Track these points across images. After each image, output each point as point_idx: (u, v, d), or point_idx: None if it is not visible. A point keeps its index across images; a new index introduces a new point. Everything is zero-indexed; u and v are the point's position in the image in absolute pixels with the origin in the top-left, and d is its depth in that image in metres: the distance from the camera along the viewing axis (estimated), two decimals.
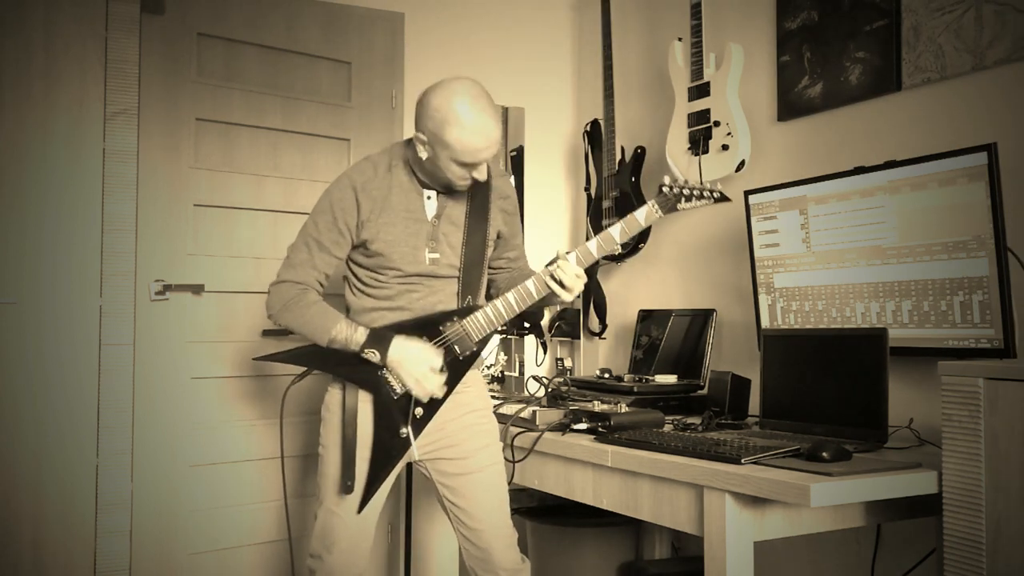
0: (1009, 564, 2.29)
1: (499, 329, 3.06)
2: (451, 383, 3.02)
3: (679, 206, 3.03)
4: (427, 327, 3.00)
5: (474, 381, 3.19)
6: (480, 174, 2.92)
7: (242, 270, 4.13)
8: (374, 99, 4.51)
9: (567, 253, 2.96)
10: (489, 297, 3.25)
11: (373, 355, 2.94)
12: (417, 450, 3.06)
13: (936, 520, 2.71)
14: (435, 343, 2.99)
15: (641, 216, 3.00)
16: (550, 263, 2.96)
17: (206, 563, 4.04)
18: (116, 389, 3.80)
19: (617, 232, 2.98)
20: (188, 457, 4.01)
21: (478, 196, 3.11)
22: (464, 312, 3.01)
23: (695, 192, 3.04)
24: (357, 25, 4.46)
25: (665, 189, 3.02)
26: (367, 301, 3.07)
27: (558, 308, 4.89)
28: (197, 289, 4.01)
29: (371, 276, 3.05)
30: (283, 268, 3.06)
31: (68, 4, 3.73)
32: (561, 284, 2.94)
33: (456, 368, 3.02)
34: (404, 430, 3.00)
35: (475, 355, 3.05)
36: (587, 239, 3.15)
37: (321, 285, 3.08)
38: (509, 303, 2.99)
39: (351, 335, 2.95)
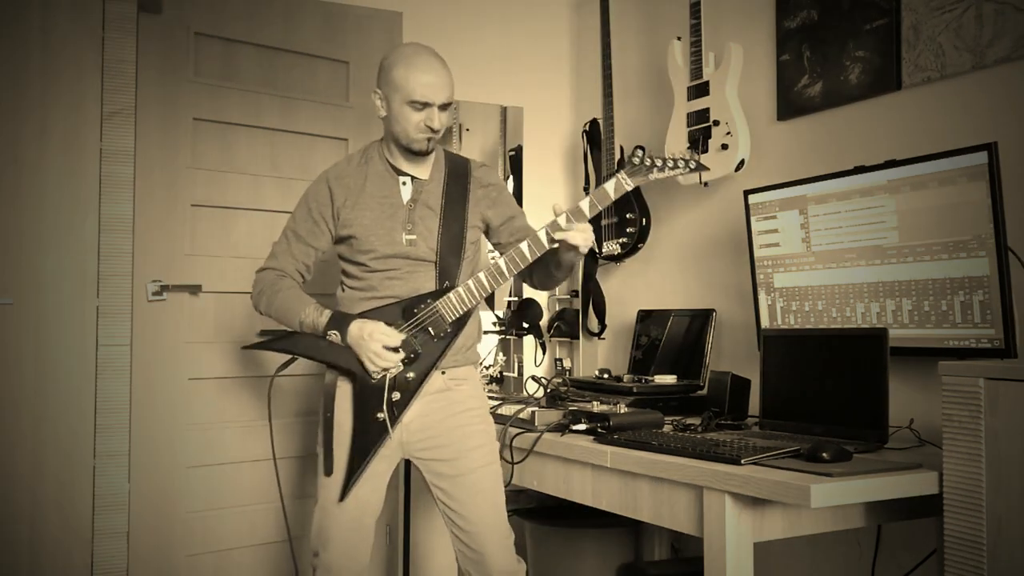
0: (1010, 565, 2.28)
1: (472, 306, 3.08)
2: (427, 364, 3.05)
3: (651, 176, 3.04)
4: (402, 311, 3.05)
5: (468, 377, 3.19)
6: (434, 121, 3.02)
7: (240, 270, 4.09)
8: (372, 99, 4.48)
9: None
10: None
11: (335, 336, 3.04)
12: (408, 446, 3.09)
13: (937, 521, 2.69)
14: (408, 324, 3.03)
15: (610, 188, 3.02)
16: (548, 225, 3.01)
17: (204, 564, 4.02)
18: (113, 390, 3.78)
19: (586, 205, 2.99)
20: (185, 458, 3.99)
21: (455, 183, 3.19)
22: (438, 294, 3.05)
23: (668, 162, 3.06)
24: (355, 24, 4.45)
25: (635, 159, 3.04)
26: (353, 294, 3.14)
27: (557, 309, 4.88)
28: (194, 289, 4.00)
29: (355, 267, 3.14)
30: (266, 259, 3.24)
31: (65, 4, 3.71)
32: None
33: (432, 349, 3.05)
34: (380, 414, 3.02)
35: (451, 336, 3.07)
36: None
37: (302, 276, 3.23)
38: (480, 282, 3.04)
39: (316, 318, 3.06)
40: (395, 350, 3.00)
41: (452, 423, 3.09)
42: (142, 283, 3.89)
